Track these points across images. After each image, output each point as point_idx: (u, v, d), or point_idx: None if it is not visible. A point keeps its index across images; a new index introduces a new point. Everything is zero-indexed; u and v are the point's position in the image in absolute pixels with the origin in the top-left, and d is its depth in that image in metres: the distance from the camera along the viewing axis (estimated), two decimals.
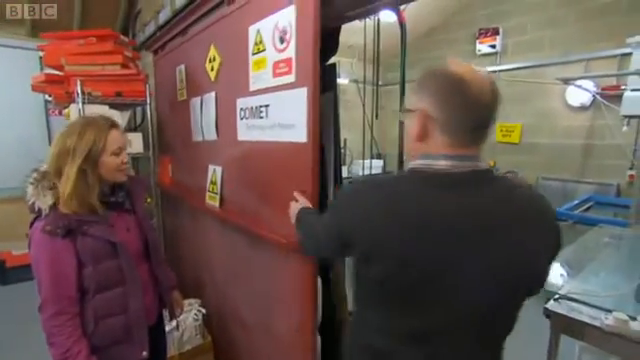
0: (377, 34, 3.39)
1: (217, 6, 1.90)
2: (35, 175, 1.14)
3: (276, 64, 1.45)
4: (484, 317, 0.75)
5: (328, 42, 2.04)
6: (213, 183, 2.06)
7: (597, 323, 1.16)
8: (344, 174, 5.01)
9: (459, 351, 0.76)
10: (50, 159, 1.14)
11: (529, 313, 2.84)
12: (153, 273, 1.36)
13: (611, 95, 3.69)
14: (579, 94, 3.87)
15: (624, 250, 2.08)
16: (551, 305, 1.30)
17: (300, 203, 1.27)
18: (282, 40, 1.41)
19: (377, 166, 5.37)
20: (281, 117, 1.45)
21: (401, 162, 3.04)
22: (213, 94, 2.02)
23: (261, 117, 1.57)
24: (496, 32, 4.55)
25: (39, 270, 1.08)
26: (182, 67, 2.40)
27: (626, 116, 2.96)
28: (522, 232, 0.73)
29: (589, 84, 3.77)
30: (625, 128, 3.09)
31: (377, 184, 0.81)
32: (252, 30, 1.59)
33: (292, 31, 1.35)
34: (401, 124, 2.96)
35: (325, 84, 2.12)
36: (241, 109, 1.74)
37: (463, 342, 0.76)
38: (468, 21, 4.95)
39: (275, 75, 1.46)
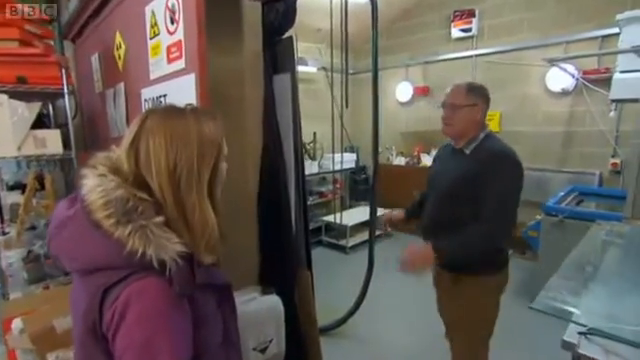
0: (344, 14, 3.02)
1: None
2: (125, 206, 0.66)
3: (169, 48, 1.32)
4: None
5: (280, 11, 1.66)
6: None
7: None
8: (314, 170, 4.65)
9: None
10: (161, 181, 0.70)
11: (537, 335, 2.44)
12: None
13: (592, 79, 3.49)
14: (560, 79, 3.66)
15: (632, 251, 1.82)
16: (581, 343, 0.98)
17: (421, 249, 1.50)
18: (172, 20, 1.28)
19: (349, 160, 5.02)
20: None
21: (376, 155, 2.70)
22: (122, 85, 1.82)
23: None
24: (472, 14, 4.28)
25: (160, 346, 0.64)
26: (96, 56, 2.15)
27: (614, 100, 2.74)
28: None
29: (571, 68, 3.55)
30: (612, 113, 2.90)
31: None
32: (148, 10, 1.44)
33: (180, 8, 1.23)
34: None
35: (278, 64, 1.74)
36: (145, 100, 1.56)
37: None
38: (442, 3, 4.64)
39: (169, 61, 1.33)
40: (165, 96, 1.37)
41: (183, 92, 1.23)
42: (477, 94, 1.51)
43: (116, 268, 0.66)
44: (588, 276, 1.53)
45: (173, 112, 0.76)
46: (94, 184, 0.68)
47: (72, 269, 0.74)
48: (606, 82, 3.35)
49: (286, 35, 1.70)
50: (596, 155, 3.65)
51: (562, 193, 3.12)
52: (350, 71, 4.02)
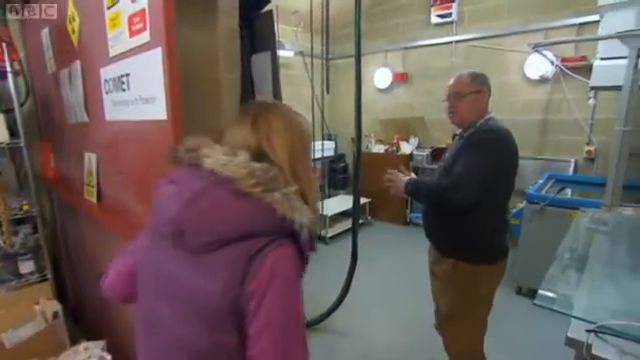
0: None
1: None
2: (267, 175, 0.67)
3: (131, 19, 1.15)
4: None
5: None
6: (89, 174, 1.68)
7: None
8: None
9: None
10: (281, 153, 0.73)
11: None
12: None
13: (570, 67, 3.51)
14: (538, 66, 3.66)
15: (619, 239, 1.81)
16: (593, 343, 0.92)
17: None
18: None
19: (328, 148, 4.90)
20: (141, 88, 1.16)
21: (360, 142, 2.59)
22: (78, 64, 1.62)
23: (123, 90, 1.26)
24: None
25: (296, 314, 0.67)
26: (47, 30, 1.92)
27: (594, 88, 2.75)
28: None
29: (550, 55, 3.55)
30: (591, 101, 2.91)
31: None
32: None
33: None
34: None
35: (257, 42, 1.57)
36: (105, 81, 1.39)
37: None
38: None
39: (131, 34, 1.16)
40: (128, 75, 1.19)
41: (148, 70, 1.06)
42: (480, 81, 1.54)
43: (260, 235, 0.66)
44: (567, 262, 1.50)
45: (283, 107, 0.80)
46: (225, 159, 0.68)
47: (206, 241, 0.67)
48: (583, 70, 3.39)
49: (265, 9, 1.53)
50: (571, 143, 3.71)
51: (541, 181, 3.14)
52: (328, 56, 3.85)
